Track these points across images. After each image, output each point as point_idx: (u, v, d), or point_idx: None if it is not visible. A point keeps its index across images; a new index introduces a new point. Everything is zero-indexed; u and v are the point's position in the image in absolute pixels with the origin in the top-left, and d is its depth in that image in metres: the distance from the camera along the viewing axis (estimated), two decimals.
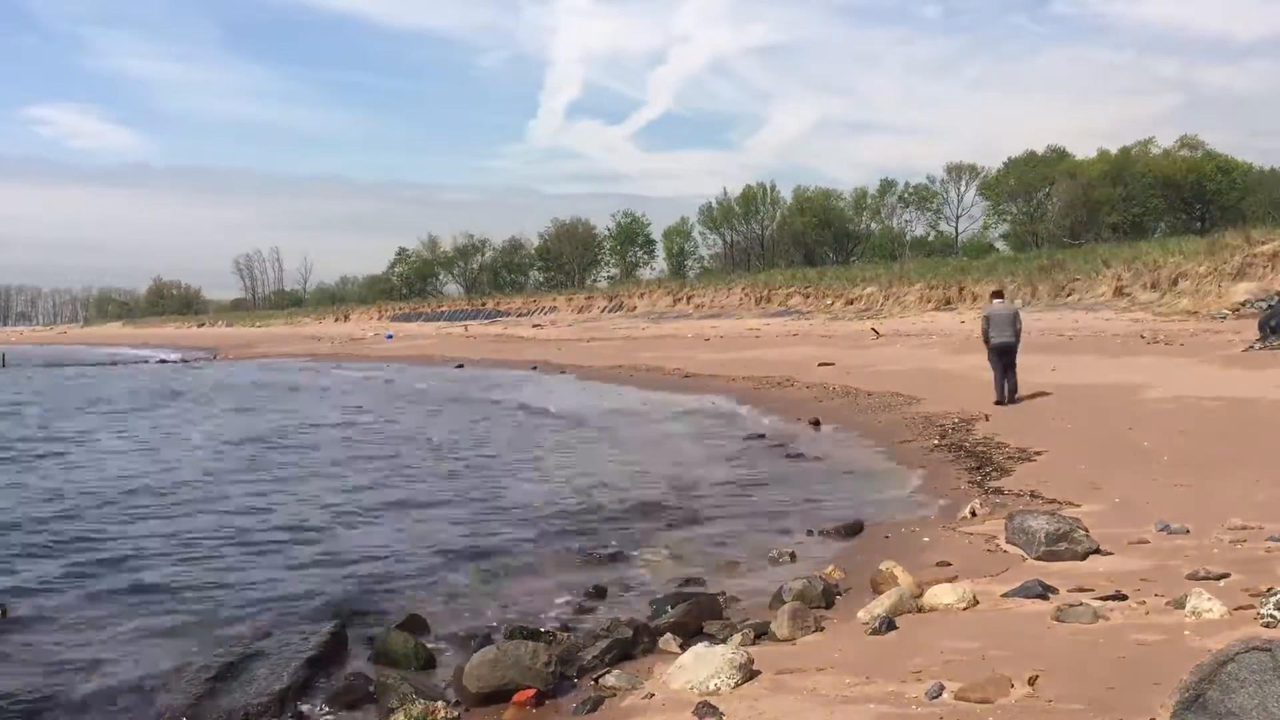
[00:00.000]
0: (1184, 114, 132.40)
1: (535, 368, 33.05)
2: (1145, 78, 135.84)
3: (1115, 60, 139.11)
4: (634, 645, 5.25)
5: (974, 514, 7.98)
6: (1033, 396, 14.61)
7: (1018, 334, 14.63)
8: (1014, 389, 14.55)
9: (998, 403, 14.33)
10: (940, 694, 4.01)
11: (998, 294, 16.65)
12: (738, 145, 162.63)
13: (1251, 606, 4.71)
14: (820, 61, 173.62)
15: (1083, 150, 76.94)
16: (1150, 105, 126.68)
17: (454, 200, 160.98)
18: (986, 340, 14.68)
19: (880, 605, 5.40)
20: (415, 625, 5.93)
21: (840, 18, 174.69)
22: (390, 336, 60.87)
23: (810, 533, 8.29)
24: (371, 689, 4.93)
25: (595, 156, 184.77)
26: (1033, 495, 8.47)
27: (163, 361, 47.80)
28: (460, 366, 35.55)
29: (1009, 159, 76.55)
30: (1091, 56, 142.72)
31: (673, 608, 5.84)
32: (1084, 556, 6.19)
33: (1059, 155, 74.80)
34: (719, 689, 4.32)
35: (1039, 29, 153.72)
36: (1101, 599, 5.20)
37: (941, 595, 5.47)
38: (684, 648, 4.97)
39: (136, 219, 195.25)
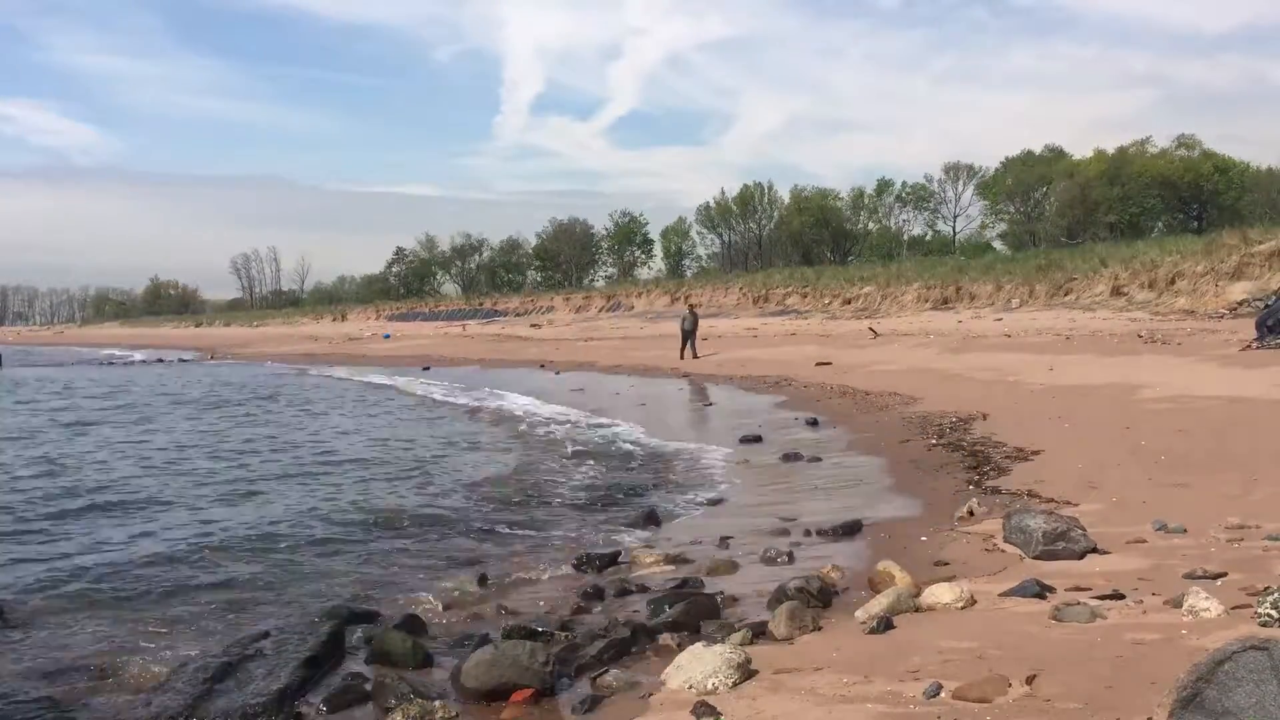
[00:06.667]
0: (1161, 109, 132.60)
1: (543, 365, 33.05)
2: (1116, 73, 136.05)
3: (1082, 55, 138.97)
4: (632, 645, 5.24)
5: (972, 513, 7.98)
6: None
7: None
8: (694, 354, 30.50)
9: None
10: (938, 693, 4.01)
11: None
12: (711, 142, 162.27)
13: (1249, 606, 4.72)
14: (781, 56, 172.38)
15: (1075, 148, 77.10)
16: (1126, 101, 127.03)
17: (422, 196, 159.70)
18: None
19: (878, 605, 5.40)
20: (413, 625, 5.92)
21: (794, 11, 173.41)
22: (388, 336, 60.82)
23: (808, 532, 8.27)
24: (369, 689, 4.92)
25: (568, 154, 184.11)
26: (1030, 494, 8.46)
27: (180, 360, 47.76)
28: (427, 369, 34.89)
29: (1006, 158, 76.83)
30: (1057, 51, 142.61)
31: (670, 607, 5.82)
32: (1081, 556, 6.19)
33: (1056, 155, 75.01)
34: (717, 688, 4.32)
35: (1000, 22, 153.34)
36: (1099, 598, 5.20)
37: (939, 594, 5.48)
38: (682, 647, 4.96)
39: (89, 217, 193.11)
